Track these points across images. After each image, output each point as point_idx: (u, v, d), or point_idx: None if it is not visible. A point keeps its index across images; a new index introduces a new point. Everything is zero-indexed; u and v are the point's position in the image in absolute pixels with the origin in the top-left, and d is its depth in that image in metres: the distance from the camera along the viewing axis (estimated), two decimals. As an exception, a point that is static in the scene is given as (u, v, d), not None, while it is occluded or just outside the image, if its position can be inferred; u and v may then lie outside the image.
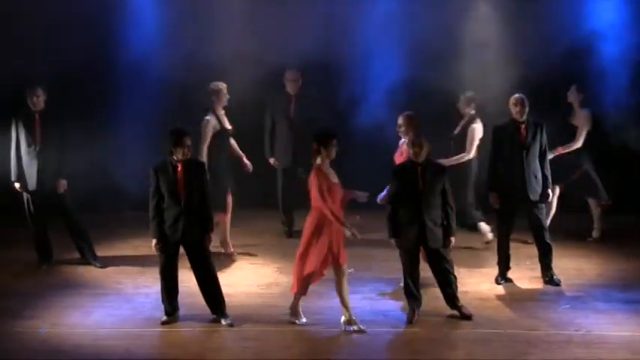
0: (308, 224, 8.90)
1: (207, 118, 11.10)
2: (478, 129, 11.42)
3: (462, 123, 11.56)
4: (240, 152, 11.48)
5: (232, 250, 11.35)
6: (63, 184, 10.80)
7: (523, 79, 11.77)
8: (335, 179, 8.91)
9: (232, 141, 11.39)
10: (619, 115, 12.27)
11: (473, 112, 11.50)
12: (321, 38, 12.36)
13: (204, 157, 10.88)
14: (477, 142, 11.41)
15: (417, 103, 11.53)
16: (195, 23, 12.74)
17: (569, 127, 11.59)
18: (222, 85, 11.21)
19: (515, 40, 12.58)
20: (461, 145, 11.52)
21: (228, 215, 11.26)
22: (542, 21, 12.59)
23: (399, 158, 9.76)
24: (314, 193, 8.78)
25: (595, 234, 11.95)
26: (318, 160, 8.85)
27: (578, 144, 11.54)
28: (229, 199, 11.22)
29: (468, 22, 12.78)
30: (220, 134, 11.14)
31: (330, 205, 8.72)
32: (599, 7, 12.71)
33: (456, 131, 11.62)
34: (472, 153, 11.42)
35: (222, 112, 11.21)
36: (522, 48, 12.54)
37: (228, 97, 11.23)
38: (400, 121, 9.76)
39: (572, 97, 11.65)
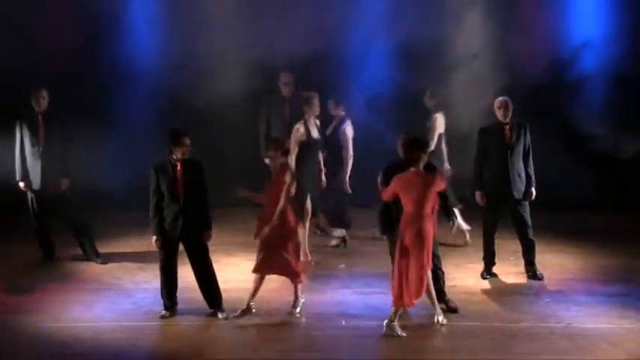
0: (431, 232, 8.78)
1: (297, 126, 11.10)
2: (348, 129, 11.46)
3: (334, 123, 11.49)
4: (322, 166, 11.33)
5: (310, 258, 11.02)
6: (65, 183, 10.87)
7: (510, 88, 11.87)
8: None
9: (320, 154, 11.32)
10: (597, 122, 12.48)
11: (342, 113, 11.45)
12: (314, 42, 12.49)
13: (292, 166, 10.58)
14: (351, 141, 11.47)
15: (405, 106, 11.74)
16: (191, 25, 12.80)
17: (426, 131, 11.54)
18: (314, 95, 11.14)
19: (503, 49, 12.75)
20: (332, 144, 11.56)
21: (306, 224, 11.09)
22: (528, 32, 12.76)
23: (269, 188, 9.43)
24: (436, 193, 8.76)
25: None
26: (413, 168, 8.84)
27: (431, 147, 11.38)
28: (307, 208, 11.11)
29: (458, 31, 12.91)
30: (306, 143, 11.07)
31: None
32: (583, 21, 12.89)
33: (328, 131, 11.51)
34: (350, 150, 11.46)
35: (312, 121, 11.14)
36: (509, 57, 12.71)
37: (318, 107, 11.16)
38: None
39: (427, 101, 11.71)
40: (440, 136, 11.62)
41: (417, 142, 8.83)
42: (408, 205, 8.72)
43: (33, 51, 12.58)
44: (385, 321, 8.76)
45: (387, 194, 8.90)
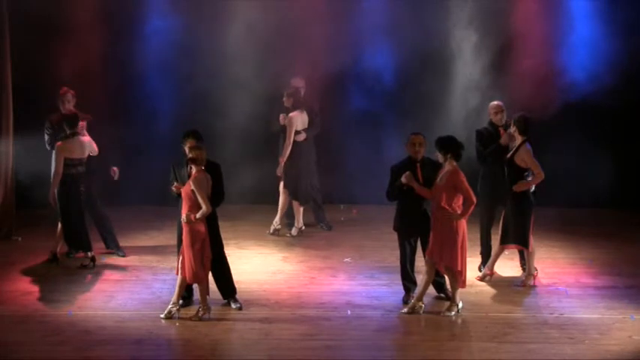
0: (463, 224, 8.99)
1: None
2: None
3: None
4: None
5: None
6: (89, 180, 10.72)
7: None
8: None
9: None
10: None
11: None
12: (324, 53, 12.41)
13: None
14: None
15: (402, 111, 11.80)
16: (209, 36, 12.69)
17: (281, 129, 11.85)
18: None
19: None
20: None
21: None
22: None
23: None
24: (466, 188, 8.87)
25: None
26: (449, 166, 8.92)
27: (288, 148, 11.62)
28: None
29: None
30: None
31: None
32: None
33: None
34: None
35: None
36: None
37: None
38: None
39: (285, 100, 11.77)
40: None
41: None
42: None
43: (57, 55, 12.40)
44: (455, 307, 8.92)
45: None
